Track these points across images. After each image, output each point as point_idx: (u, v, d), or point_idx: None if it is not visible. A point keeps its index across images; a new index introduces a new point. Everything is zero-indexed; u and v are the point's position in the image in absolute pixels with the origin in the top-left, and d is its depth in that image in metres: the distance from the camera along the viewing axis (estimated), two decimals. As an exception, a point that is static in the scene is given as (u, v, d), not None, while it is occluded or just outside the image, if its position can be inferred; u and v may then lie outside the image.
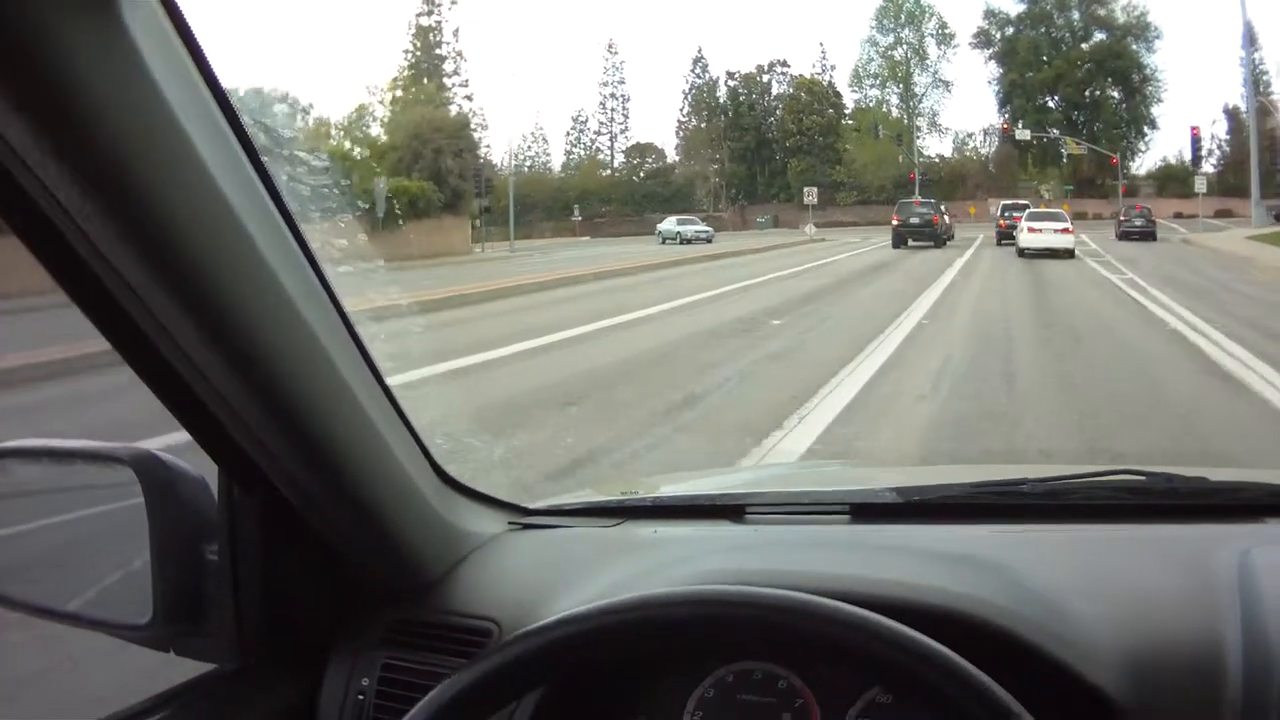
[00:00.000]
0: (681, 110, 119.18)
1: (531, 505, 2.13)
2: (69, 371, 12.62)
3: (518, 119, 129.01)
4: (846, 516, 1.97)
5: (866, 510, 1.98)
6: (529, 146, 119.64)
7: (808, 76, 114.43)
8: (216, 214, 1.25)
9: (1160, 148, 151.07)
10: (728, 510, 2.05)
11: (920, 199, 60.42)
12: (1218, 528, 1.82)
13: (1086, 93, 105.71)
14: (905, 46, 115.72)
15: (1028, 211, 49.23)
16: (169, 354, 1.36)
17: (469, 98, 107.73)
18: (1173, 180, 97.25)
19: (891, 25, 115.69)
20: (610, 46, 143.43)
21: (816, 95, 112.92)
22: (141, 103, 1.12)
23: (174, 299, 1.27)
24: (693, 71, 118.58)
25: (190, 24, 1.19)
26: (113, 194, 1.15)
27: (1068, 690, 1.43)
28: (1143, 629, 1.47)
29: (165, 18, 1.15)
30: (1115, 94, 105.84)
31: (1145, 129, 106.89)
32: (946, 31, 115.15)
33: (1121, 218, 61.24)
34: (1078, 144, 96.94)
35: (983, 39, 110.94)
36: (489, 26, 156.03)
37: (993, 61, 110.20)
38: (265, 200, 1.33)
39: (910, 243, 54.37)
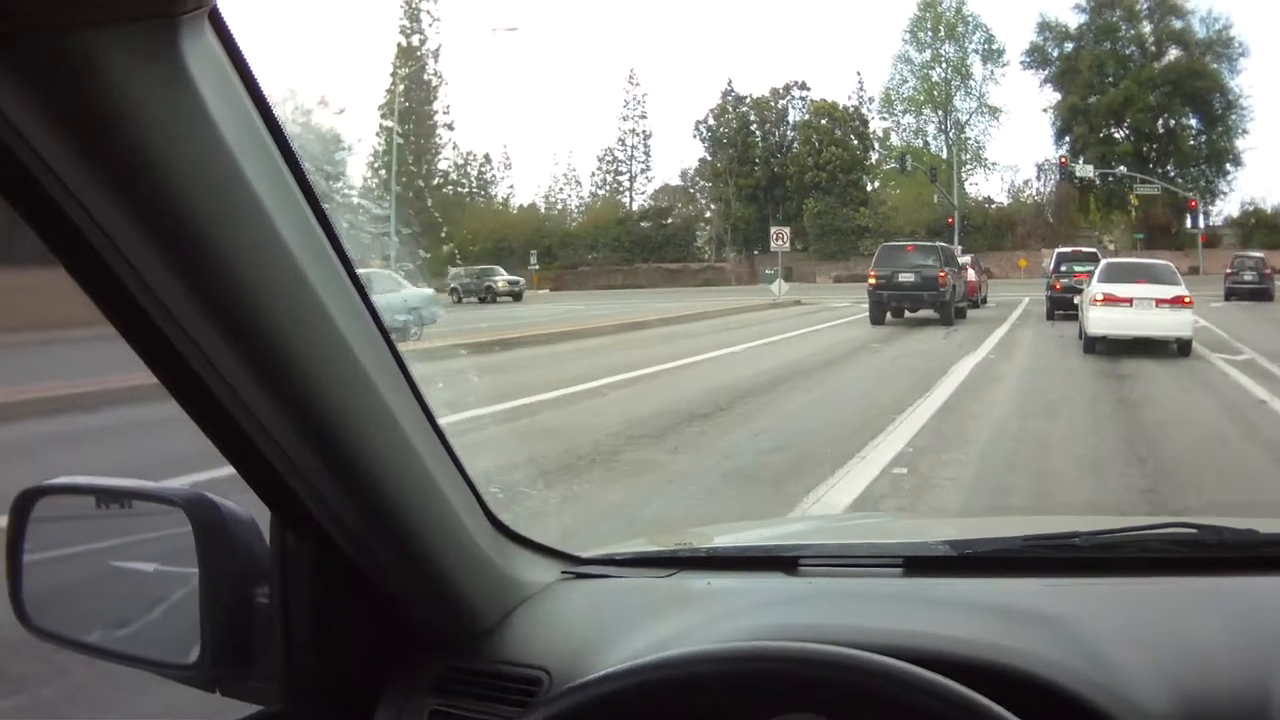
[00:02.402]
0: (709, 149, 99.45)
1: (584, 554, 2.08)
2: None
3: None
4: (899, 569, 1.93)
5: (919, 563, 1.94)
6: (560, 188, 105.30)
7: (829, 101, 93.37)
8: (273, 257, 1.23)
9: (1242, 188, 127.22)
10: (781, 562, 2.00)
11: (916, 243, 38.27)
12: (1268, 579, 1.79)
13: (1160, 121, 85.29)
14: (945, 64, 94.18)
15: (1103, 265, 26.73)
16: (221, 394, 1.35)
17: (450, 126, 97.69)
18: (1262, 227, 78.98)
19: (929, 39, 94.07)
20: (631, 77, 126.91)
21: (838, 122, 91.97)
22: (200, 144, 1.11)
23: (228, 341, 1.26)
24: (722, 105, 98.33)
25: (250, 65, 1.17)
26: (167, 233, 1.14)
27: None
28: (1192, 682, 1.46)
29: (225, 58, 1.14)
30: (1193, 122, 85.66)
31: (1228, 166, 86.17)
32: (994, 47, 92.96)
33: (1229, 270, 47.86)
34: (1148, 182, 77.67)
35: (1037, 57, 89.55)
36: (512, 60, 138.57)
37: (1049, 85, 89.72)
38: (324, 244, 1.32)
39: (908, 313, 33.98)
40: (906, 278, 32.68)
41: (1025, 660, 1.50)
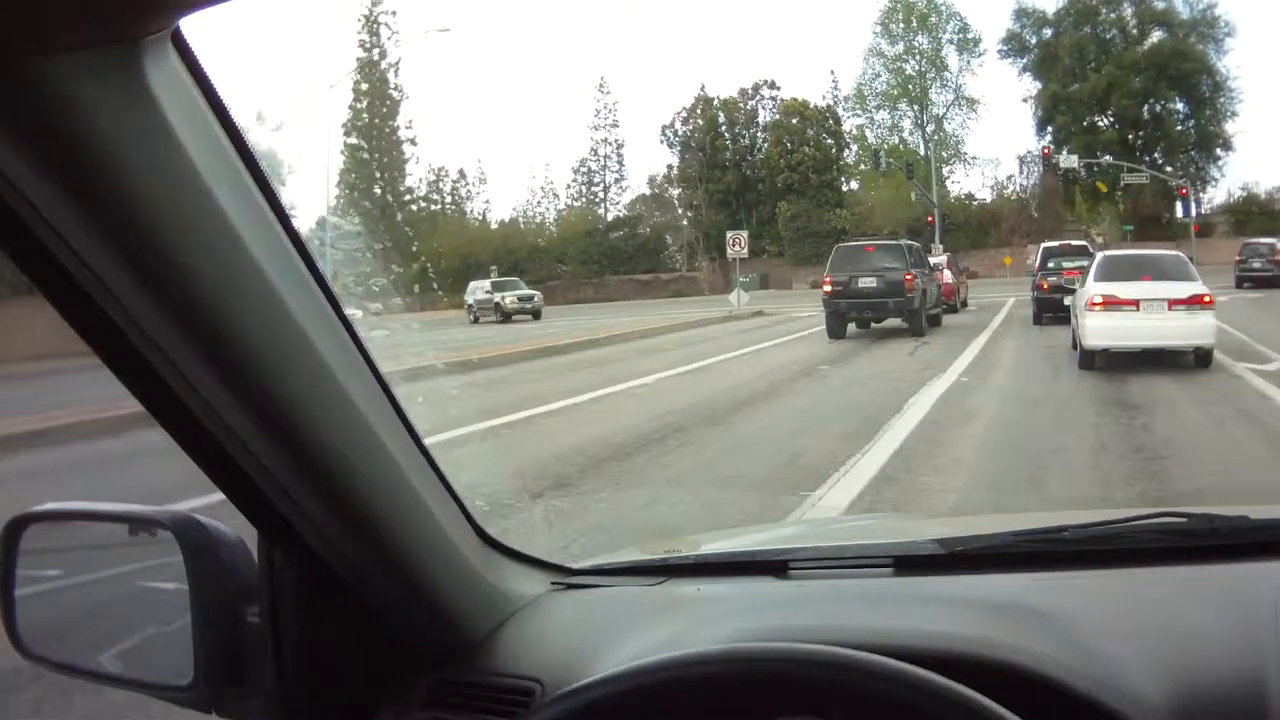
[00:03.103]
0: (679, 154, 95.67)
1: (574, 565, 2.08)
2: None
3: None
4: (890, 569, 1.93)
5: (909, 562, 1.94)
6: (538, 202, 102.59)
7: (799, 99, 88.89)
8: (246, 276, 1.23)
9: (1233, 174, 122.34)
10: (771, 566, 2.01)
11: (878, 242, 32.95)
12: (1259, 566, 1.79)
13: (1145, 107, 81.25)
14: (918, 56, 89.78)
15: (1100, 259, 21.20)
16: (204, 417, 1.35)
17: (413, 141, 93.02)
18: (1257, 214, 74.41)
19: (900, 31, 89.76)
20: (601, 85, 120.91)
21: (810, 121, 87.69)
22: (168, 165, 1.12)
23: (205, 362, 1.26)
24: (690, 108, 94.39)
25: (215, 85, 1.17)
26: (139, 255, 1.14)
27: None
28: (1186, 670, 1.46)
29: (190, 78, 1.14)
30: (1180, 107, 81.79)
31: (1218, 151, 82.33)
32: (969, 36, 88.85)
33: (1238, 258, 46.64)
34: (1136, 170, 73.63)
35: (1015, 45, 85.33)
36: (483, 72, 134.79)
37: (1028, 74, 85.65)
38: (297, 262, 1.32)
39: (873, 324, 29.15)
40: (867, 283, 27.83)
41: (1018, 655, 1.48)
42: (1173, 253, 21.14)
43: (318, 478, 1.42)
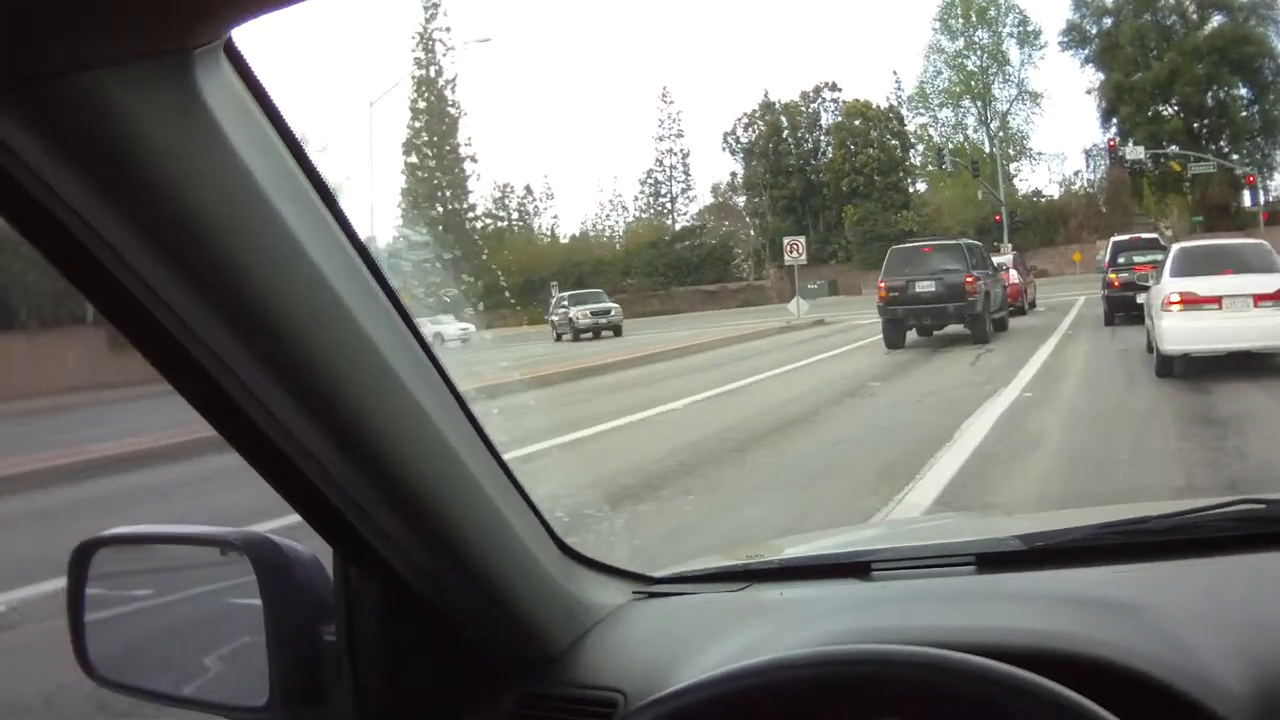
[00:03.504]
0: (741, 160, 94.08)
1: (655, 574, 2.02)
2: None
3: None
4: (972, 567, 1.88)
5: (992, 559, 1.90)
6: (607, 215, 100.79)
7: (861, 100, 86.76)
8: (310, 288, 1.20)
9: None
10: (853, 568, 1.96)
11: (935, 242, 29.93)
12: None
13: (1209, 94, 78.96)
14: (979, 52, 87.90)
15: (1175, 252, 18.47)
16: (274, 435, 1.32)
17: (474, 159, 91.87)
18: None
19: (960, 26, 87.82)
20: (664, 95, 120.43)
21: (873, 122, 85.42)
22: (224, 175, 1.10)
23: (274, 378, 1.23)
24: (751, 114, 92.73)
25: (270, 94, 1.15)
26: (199, 268, 1.12)
27: None
28: (1271, 658, 1.41)
29: (244, 88, 1.12)
30: (1243, 92, 79.62)
31: None
32: (1029, 29, 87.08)
33: None
34: (1202, 159, 70.78)
35: (1076, 36, 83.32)
36: (548, 88, 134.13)
37: (1090, 65, 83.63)
38: (363, 272, 1.29)
39: (933, 331, 26.98)
40: (925, 287, 25.46)
41: (1103, 649, 1.46)
42: (1254, 241, 18.63)
43: (391, 491, 1.37)
